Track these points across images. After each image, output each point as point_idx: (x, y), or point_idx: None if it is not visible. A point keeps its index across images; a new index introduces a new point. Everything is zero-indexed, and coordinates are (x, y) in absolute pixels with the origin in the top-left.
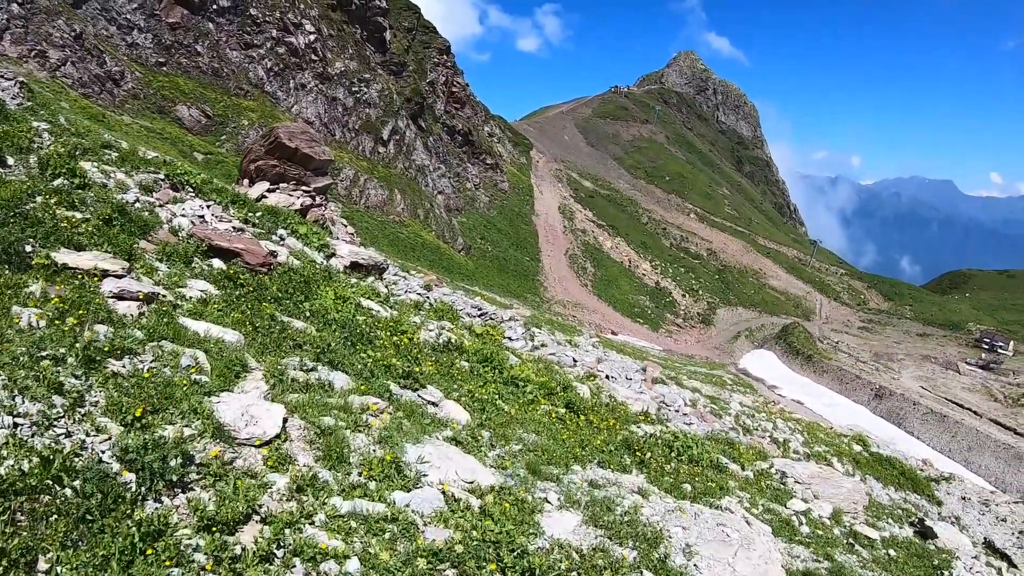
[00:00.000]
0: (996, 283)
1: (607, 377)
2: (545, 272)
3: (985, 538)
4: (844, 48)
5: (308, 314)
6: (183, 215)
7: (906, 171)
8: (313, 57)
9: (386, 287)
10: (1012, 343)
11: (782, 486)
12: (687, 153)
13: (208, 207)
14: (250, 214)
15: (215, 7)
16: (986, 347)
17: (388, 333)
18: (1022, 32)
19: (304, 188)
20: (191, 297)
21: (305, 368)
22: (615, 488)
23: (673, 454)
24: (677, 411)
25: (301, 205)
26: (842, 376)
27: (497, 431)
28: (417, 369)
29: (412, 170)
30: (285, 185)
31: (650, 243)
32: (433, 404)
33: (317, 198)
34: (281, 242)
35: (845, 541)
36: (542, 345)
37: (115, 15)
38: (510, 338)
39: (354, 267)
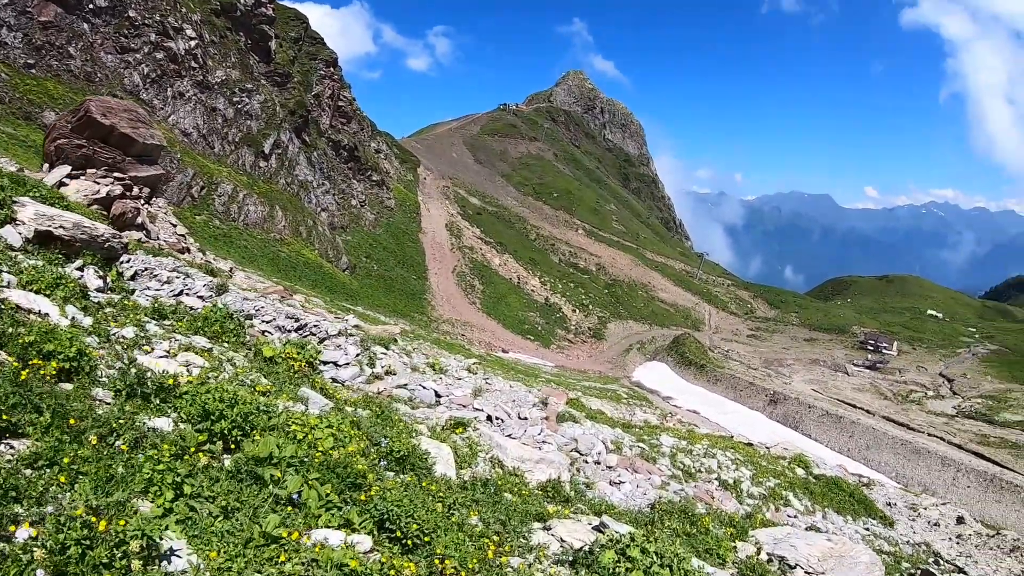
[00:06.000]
0: (876, 288)
1: (489, 419)
2: (433, 291)
3: (928, 545)
4: (723, 73)
5: None
6: None
7: (786, 187)
8: (193, 64)
9: (107, 281)
10: (896, 343)
11: None
12: (575, 170)
13: None
14: None
15: (91, 7)
16: (871, 348)
17: None
18: (888, 56)
19: (118, 175)
20: None
21: None
22: None
23: None
24: (599, 463)
25: (107, 195)
26: (736, 384)
27: None
28: None
29: (294, 186)
30: (94, 171)
31: (539, 259)
32: None
33: (137, 188)
34: None
35: None
36: (388, 372)
37: None
38: (335, 363)
39: (44, 241)
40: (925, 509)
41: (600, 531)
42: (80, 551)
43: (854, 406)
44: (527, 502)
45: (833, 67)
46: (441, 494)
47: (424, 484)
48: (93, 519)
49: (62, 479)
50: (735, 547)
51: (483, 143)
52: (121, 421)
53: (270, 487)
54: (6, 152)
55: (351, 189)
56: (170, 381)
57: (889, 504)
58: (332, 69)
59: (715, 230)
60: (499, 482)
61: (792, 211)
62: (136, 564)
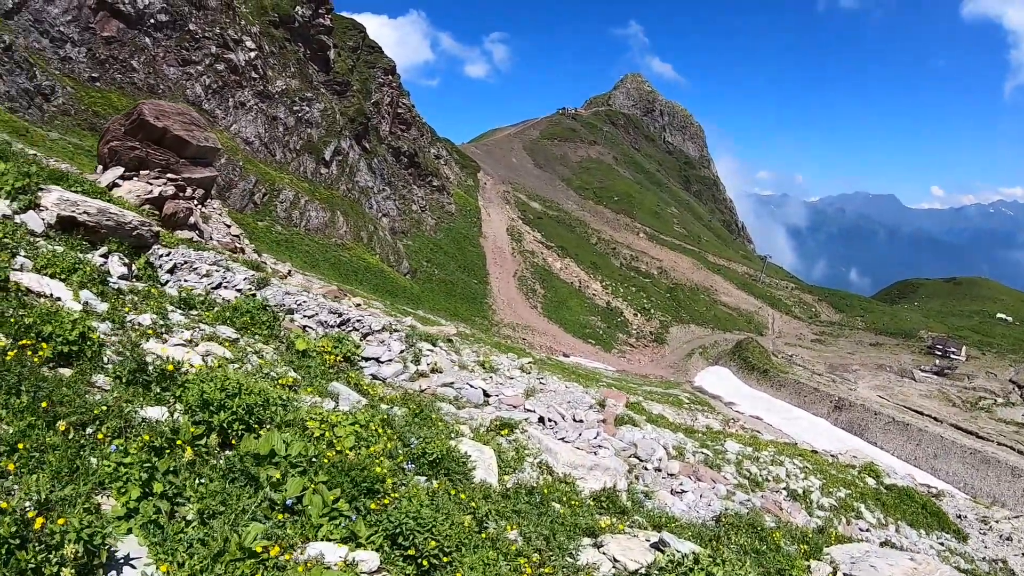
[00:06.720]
0: (944, 291)
1: (541, 421)
2: (493, 295)
3: (1004, 563)
4: (781, 72)
5: None
6: None
7: (849, 187)
8: (253, 75)
9: (132, 268)
10: (964, 348)
11: None
12: (635, 173)
13: None
14: None
15: (152, 21)
16: (939, 353)
17: None
18: (949, 50)
19: (172, 176)
20: None
21: None
22: None
23: None
24: (659, 470)
25: (160, 195)
26: (800, 389)
27: None
28: None
29: (355, 192)
30: (147, 172)
31: (600, 263)
32: None
33: (190, 190)
34: None
35: None
36: (434, 370)
37: (48, 27)
38: (377, 359)
39: (68, 227)
40: (996, 522)
41: (659, 549)
42: (6, 552)
43: (921, 413)
44: (577, 514)
45: (893, 62)
46: (473, 504)
47: (453, 493)
48: (31, 514)
49: (11, 467)
50: (809, 567)
51: (543, 148)
52: (105, 408)
53: (265, 489)
54: (71, 161)
55: (411, 194)
56: (170, 367)
57: (959, 516)
58: (390, 77)
59: (778, 232)
60: (546, 490)
61: (856, 212)
62: (67, 573)
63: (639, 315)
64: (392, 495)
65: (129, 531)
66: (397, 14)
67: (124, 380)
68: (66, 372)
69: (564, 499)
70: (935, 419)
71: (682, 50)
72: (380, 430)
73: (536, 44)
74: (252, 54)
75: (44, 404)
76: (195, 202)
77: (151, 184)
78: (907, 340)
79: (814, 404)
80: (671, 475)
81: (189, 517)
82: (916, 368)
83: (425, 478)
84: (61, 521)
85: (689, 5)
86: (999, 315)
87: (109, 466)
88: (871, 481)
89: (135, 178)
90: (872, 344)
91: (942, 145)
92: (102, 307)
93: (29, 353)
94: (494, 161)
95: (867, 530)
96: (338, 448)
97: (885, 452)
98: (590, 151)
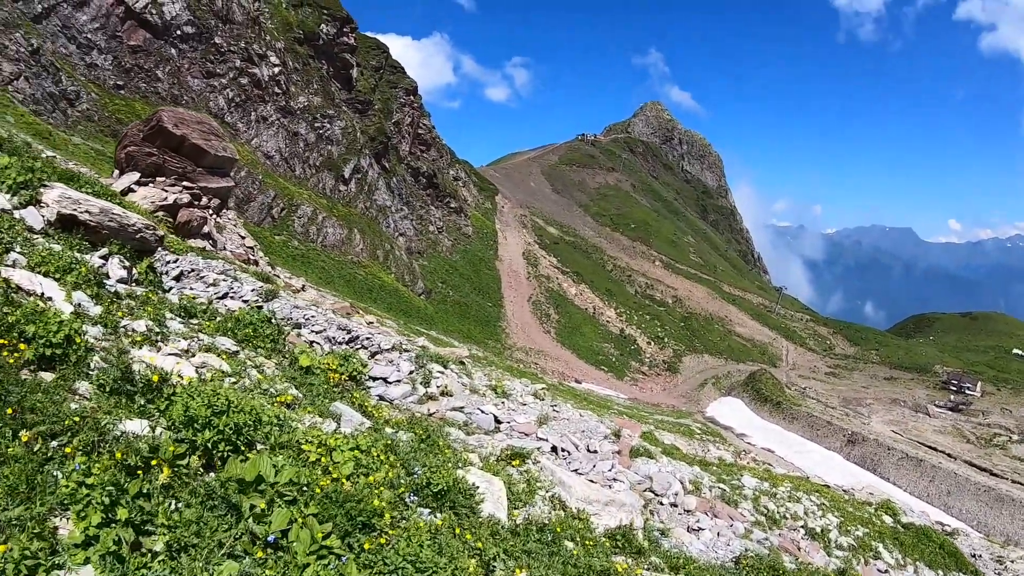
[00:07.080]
0: (959, 325)
1: (554, 451)
2: (508, 318)
3: None
4: (800, 102)
5: None
6: None
7: (866, 220)
8: (276, 90)
9: (132, 272)
10: (979, 384)
11: None
12: (653, 201)
13: None
14: None
15: (179, 33)
16: (954, 389)
17: None
18: (968, 83)
19: (187, 184)
20: None
21: None
22: None
23: None
24: (675, 505)
25: (174, 202)
26: (813, 423)
27: None
28: None
29: (373, 210)
30: (163, 179)
31: (615, 290)
32: None
33: (205, 199)
34: None
35: None
36: (444, 393)
37: (76, 33)
38: (385, 379)
39: (68, 225)
40: (1012, 562)
41: None
42: None
43: (935, 449)
44: (591, 554)
45: (912, 95)
46: (480, 544)
47: (458, 531)
48: None
49: None
50: None
51: (561, 173)
52: (79, 419)
53: (247, 521)
54: (92, 165)
55: (429, 215)
56: (155, 378)
57: (974, 556)
58: (412, 97)
59: (794, 264)
60: (559, 527)
61: (873, 245)
62: None
63: (652, 343)
64: (390, 532)
65: (87, 561)
66: (421, 36)
67: (107, 389)
68: (47, 377)
69: (577, 537)
70: (949, 455)
71: (701, 80)
72: (383, 456)
73: (557, 70)
74: (276, 69)
75: (9, 410)
76: (210, 211)
77: (166, 191)
78: (922, 375)
79: (827, 438)
80: (688, 511)
81: (156, 549)
82: (930, 403)
83: (428, 511)
84: (1, 548)
85: (709, 36)
86: (1015, 351)
87: (69, 487)
88: (888, 519)
89: (151, 184)
90: (886, 378)
91: (960, 178)
92: (95, 310)
93: (5, 354)
94: (512, 185)
95: (886, 571)
96: (334, 475)
97: (898, 488)
98: (608, 178)
